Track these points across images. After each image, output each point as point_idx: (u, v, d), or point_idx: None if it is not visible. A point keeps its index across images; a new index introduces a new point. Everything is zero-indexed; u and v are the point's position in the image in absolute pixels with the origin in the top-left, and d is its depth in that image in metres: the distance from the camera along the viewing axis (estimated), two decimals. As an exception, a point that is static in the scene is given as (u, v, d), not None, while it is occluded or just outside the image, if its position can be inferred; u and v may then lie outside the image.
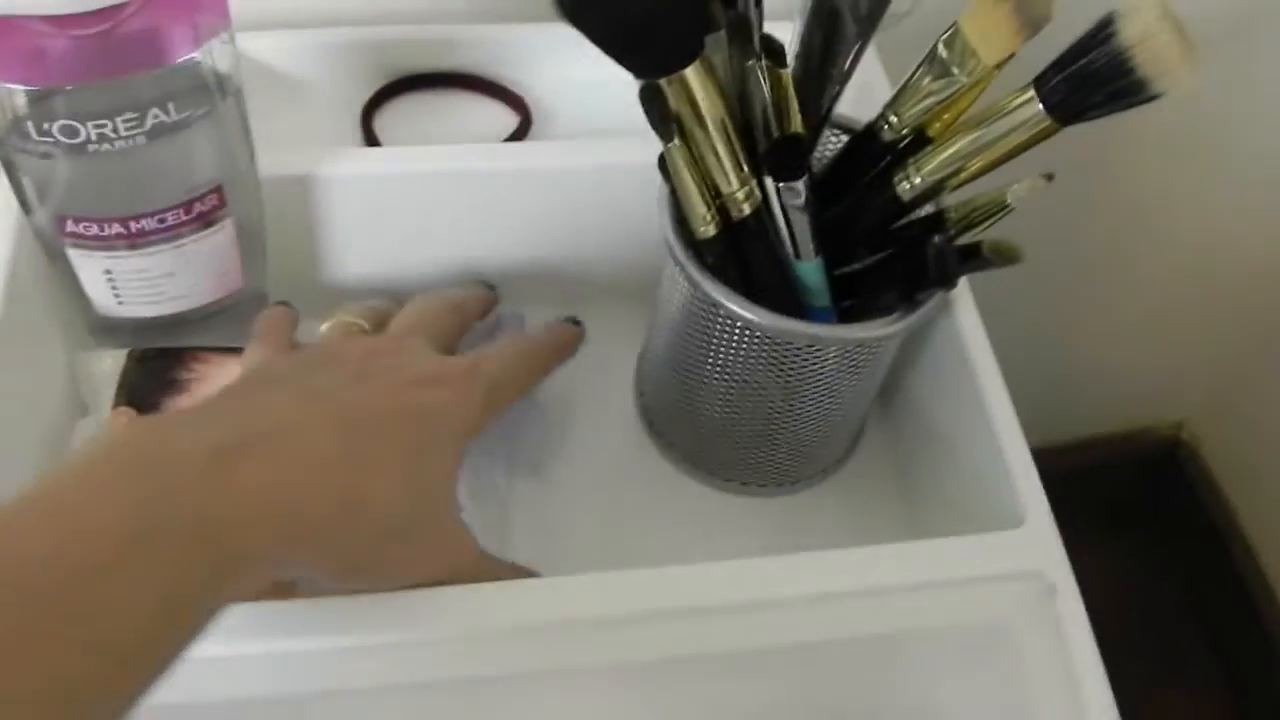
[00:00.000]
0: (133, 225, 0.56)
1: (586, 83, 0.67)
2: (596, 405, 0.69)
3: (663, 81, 0.51)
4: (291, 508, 0.43)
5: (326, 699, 0.50)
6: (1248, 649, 1.48)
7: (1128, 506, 1.59)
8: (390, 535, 0.47)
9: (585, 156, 0.66)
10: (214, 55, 0.53)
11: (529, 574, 0.55)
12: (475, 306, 0.65)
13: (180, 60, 0.52)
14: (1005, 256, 0.53)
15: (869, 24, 0.56)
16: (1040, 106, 0.52)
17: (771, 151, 0.53)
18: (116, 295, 0.60)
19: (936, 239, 0.53)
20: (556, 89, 0.76)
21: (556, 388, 0.68)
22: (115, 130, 0.52)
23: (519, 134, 0.73)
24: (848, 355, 0.58)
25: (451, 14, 0.76)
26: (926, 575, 0.53)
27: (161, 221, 0.57)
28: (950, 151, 0.55)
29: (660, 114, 0.51)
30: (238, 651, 0.47)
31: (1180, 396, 1.50)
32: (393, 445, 0.48)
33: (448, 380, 0.53)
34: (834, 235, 0.58)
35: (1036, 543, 0.54)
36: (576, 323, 0.65)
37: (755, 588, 0.51)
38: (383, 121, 0.74)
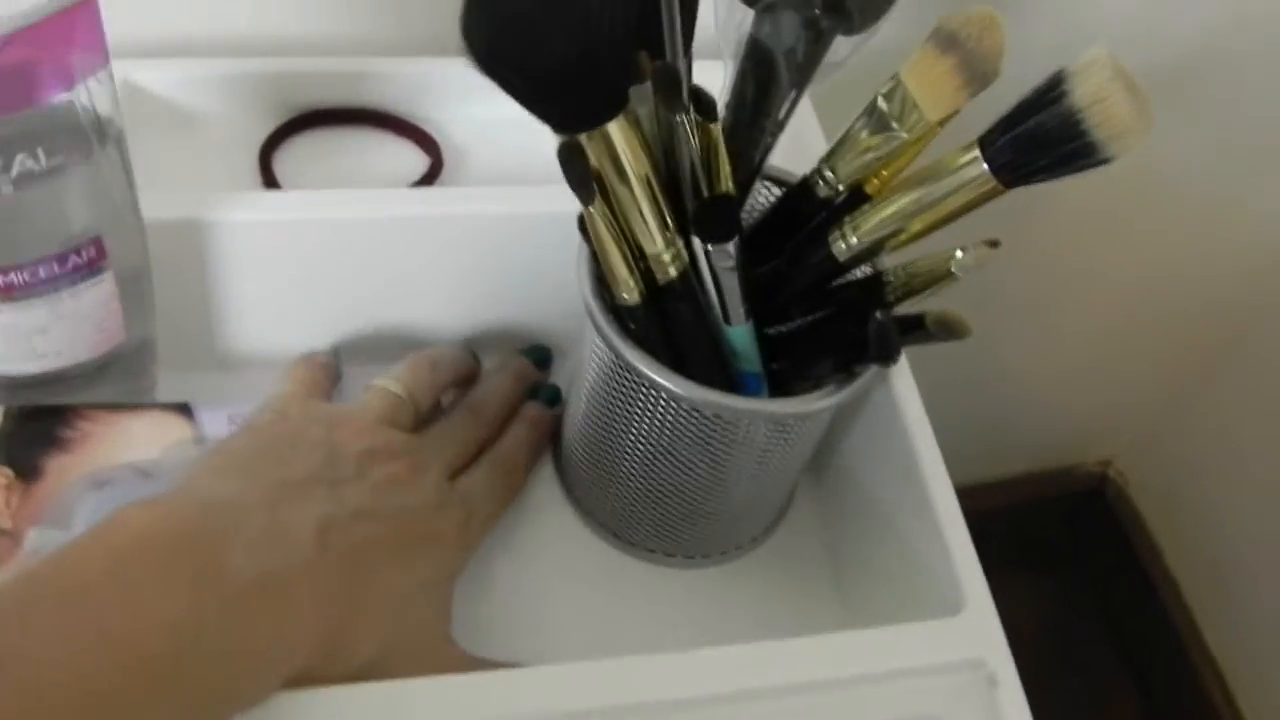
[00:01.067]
0: (3, 279, 0.52)
1: (502, 122, 0.63)
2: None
3: (583, 136, 0.47)
4: (286, 653, 0.44)
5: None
6: (1173, 688, 1.47)
7: (1054, 544, 1.58)
8: (363, 673, 0.47)
9: (502, 204, 0.62)
10: (91, 96, 0.49)
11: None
12: (538, 445, 0.66)
13: (51, 102, 0.48)
14: (950, 331, 0.49)
15: (805, 72, 0.52)
16: (985, 167, 0.49)
17: (701, 212, 0.50)
18: (-10, 352, 0.55)
19: (879, 315, 0.49)
20: (470, 128, 0.72)
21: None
22: (-23, 177, 0.47)
23: (430, 176, 0.69)
24: (779, 427, 0.55)
25: (359, 46, 0.72)
26: (861, 668, 0.49)
27: (34, 275, 0.52)
28: (889, 211, 0.52)
29: (579, 174, 0.47)
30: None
31: (1108, 434, 1.49)
32: (386, 590, 0.50)
33: (448, 531, 0.55)
34: (765, 293, 0.55)
35: (976, 629, 0.51)
36: (545, 359, 0.68)
37: (675, 684, 0.48)
38: (283, 160, 0.70)
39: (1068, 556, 1.59)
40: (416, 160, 0.71)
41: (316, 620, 0.46)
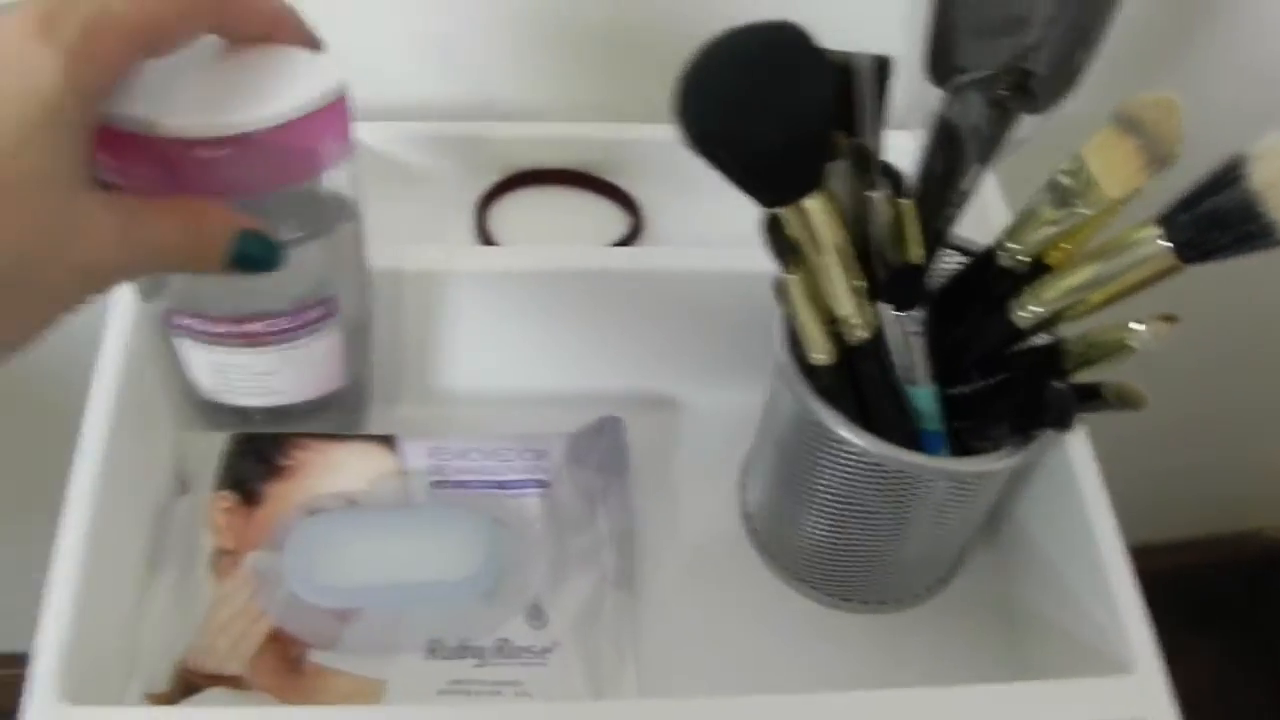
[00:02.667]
0: (240, 326, 0.57)
1: (701, 185, 0.67)
2: (699, 514, 0.69)
3: (784, 209, 0.51)
4: None
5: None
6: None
7: (1229, 609, 1.56)
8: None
9: (696, 262, 0.67)
10: (335, 180, 0.54)
11: None
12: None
13: (302, 184, 0.53)
14: (1127, 401, 0.52)
15: (990, 149, 0.55)
16: (1166, 244, 0.51)
17: (891, 281, 0.53)
18: (222, 385, 0.61)
19: (1057, 385, 0.52)
20: (670, 191, 0.76)
21: (659, 491, 0.68)
22: (234, 245, 0.52)
23: (631, 236, 0.74)
24: (958, 485, 0.58)
25: (568, 113, 0.77)
26: (1028, 718, 0.52)
27: (271, 326, 0.58)
28: (1070, 283, 0.54)
29: (780, 245, 0.51)
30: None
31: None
32: None
33: (4, 19, 0.38)
34: (947, 357, 0.58)
35: (1145, 690, 0.53)
36: None
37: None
38: (496, 216, 0.75)
39: (1243, 622, 1.56)
40: (619, 220, 0.75)
41: None
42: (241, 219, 0.46)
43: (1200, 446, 1.33)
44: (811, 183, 0.51)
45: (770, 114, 0.48)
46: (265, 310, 0.57)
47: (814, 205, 0.51)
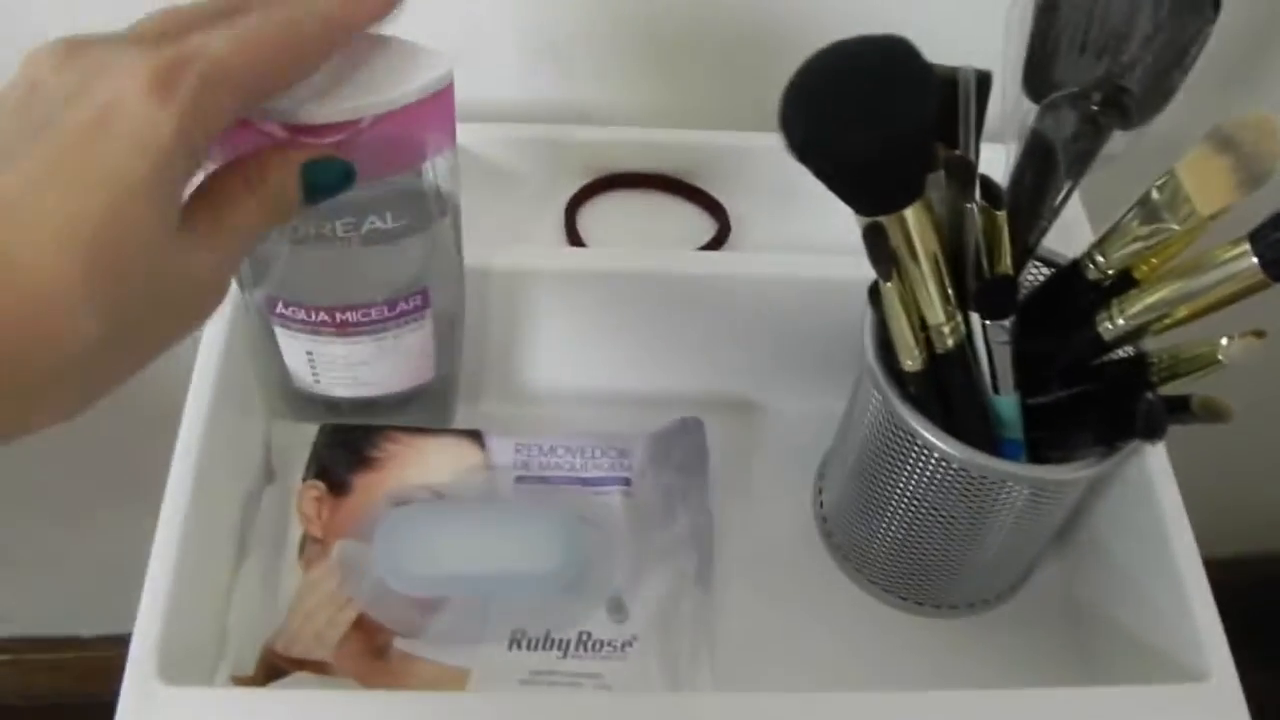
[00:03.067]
0: (338, 315, 0.59)
1: (785, 191, 0.68)
2: (775, 515, 0.70)
3: (883, 217, 0.52)
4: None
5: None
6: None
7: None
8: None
9: (780, 269, 0.68)
10: (436, 172, 0.55)
11: None
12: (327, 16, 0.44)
13: (404, 175, 0.54)
14: (1215, 414, 0.52)
15: (1082, 164, 0.56)
16: (1255, 260, 0.52)
17: (983, 291, 0.54)
18: (315, 375, 0.63)
19: (1150, 396, 0.53)
20: (755, 197, 0.77)
21: (737, 492, 0.69)
22: (333, 230, 0.54)
23: (717, 241, 0.75)
24: (1037, 492, 0.59)
25: (657, 117, 0.78)
26: (1103, 721, 0.53)
27: (366, 315, 0.59)
28: (1156, 297, 0.55)
29: (881, 253, 0.52)
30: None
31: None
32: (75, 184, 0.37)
33: (118, 105, 0.38)
34: (1029, 367, 0.59)
35: (1220, 698, 0.54)
36: None
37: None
38: (585, 218, 0.76)
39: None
40: (706, 225, 0.77)
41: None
42: (298, 153, 0.45)
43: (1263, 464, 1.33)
44: (912, 193, 0.51)
45: (874, 125, 0.49)
46: (361, 301, 0.59)
47: (912, 215, 0.52)
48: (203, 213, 0.41)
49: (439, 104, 0.50)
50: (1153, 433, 0.54)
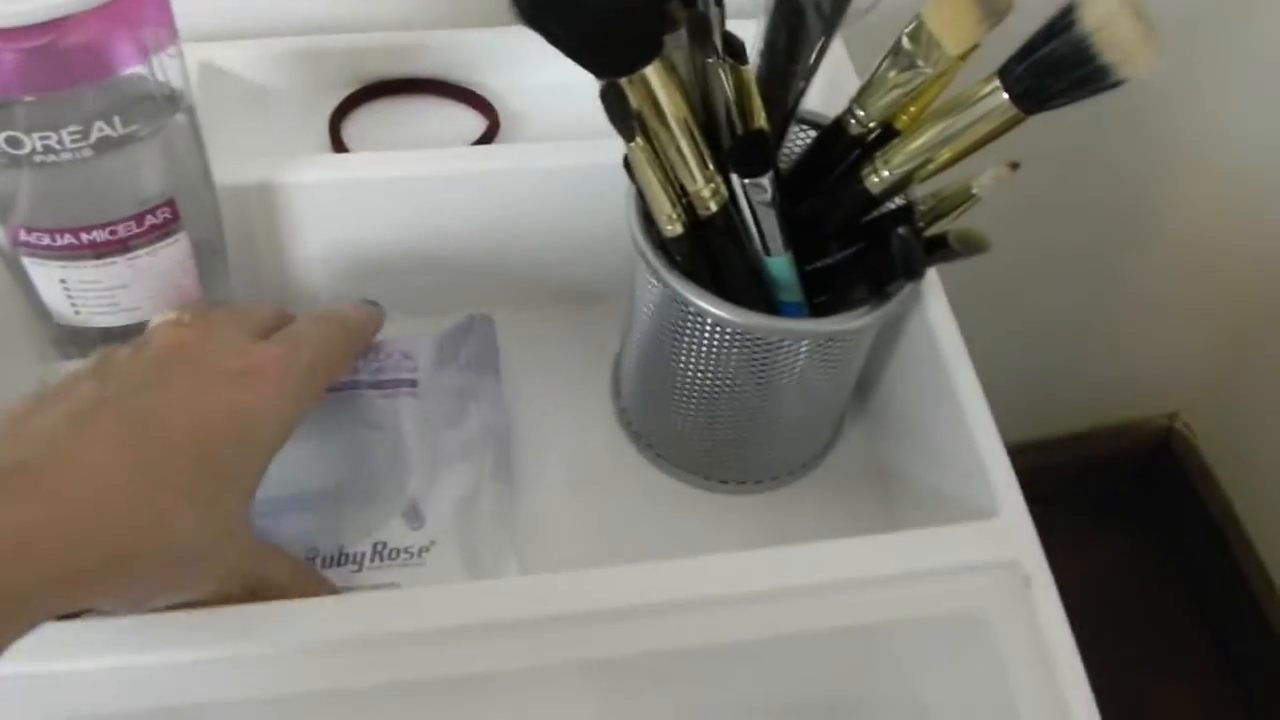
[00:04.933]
0: (84, 236, 0.56)
1: (554, 86, 0.67)
2: (574, 409, 0.69)
3: (624, 81, 0.51)
4: (65, 547, 0.39)
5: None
6: (1248, 640, 1.48)
7: (1123, 500, 1.59)
8: (187, 562, 0.43)
9: (552, 158, 0.66)
10: (162, 69, 0.53)
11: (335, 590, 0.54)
12: (362, 324, 0.60)
13: (125, 74, 0.52)
14: (972, 246, 0.52)
15: (833, 20, 0.55)
16: (1005, 96, 0.52)
17: (735, 148, 0.53)
18: (73, 305, 0.60)
19: (901, 231, 0.53)
20: (524, 93, 0.76)
21: (533, 393, 0.68)
22: (60, 143, 0.52)
23: (487, 138, 0.73)
24: (821, 349, 0.58)
25: (417, 20, 0.76)
26: (900, 567, 0.53)
27: (113, 233, 0.57)
28: (917, 143, 0.55)
29: (621, 113, 0.50)
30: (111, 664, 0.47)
31: (1174, 387, 1.50)
32: (192, 460, 0.43)
33: (260, 373, 0.48)
34: (805, 231, 0.58)
35: (1010, 533, 0.54)
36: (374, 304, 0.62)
37: (729, 582, 0.51)
38: (351, 129, 0.74)
39: (1137, 511, 1.59)
40: (475, 124, 0.75)
41: (100, 508, 0.40)
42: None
43: (1081, 340, 1.36)
44: (649, 52, 0.50)
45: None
46: (106, 218, 0.56)
47: (655, 76, 0.51)
48: None
49: None
50: (911, 269, 0.53)
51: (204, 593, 0.46)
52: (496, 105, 0.75)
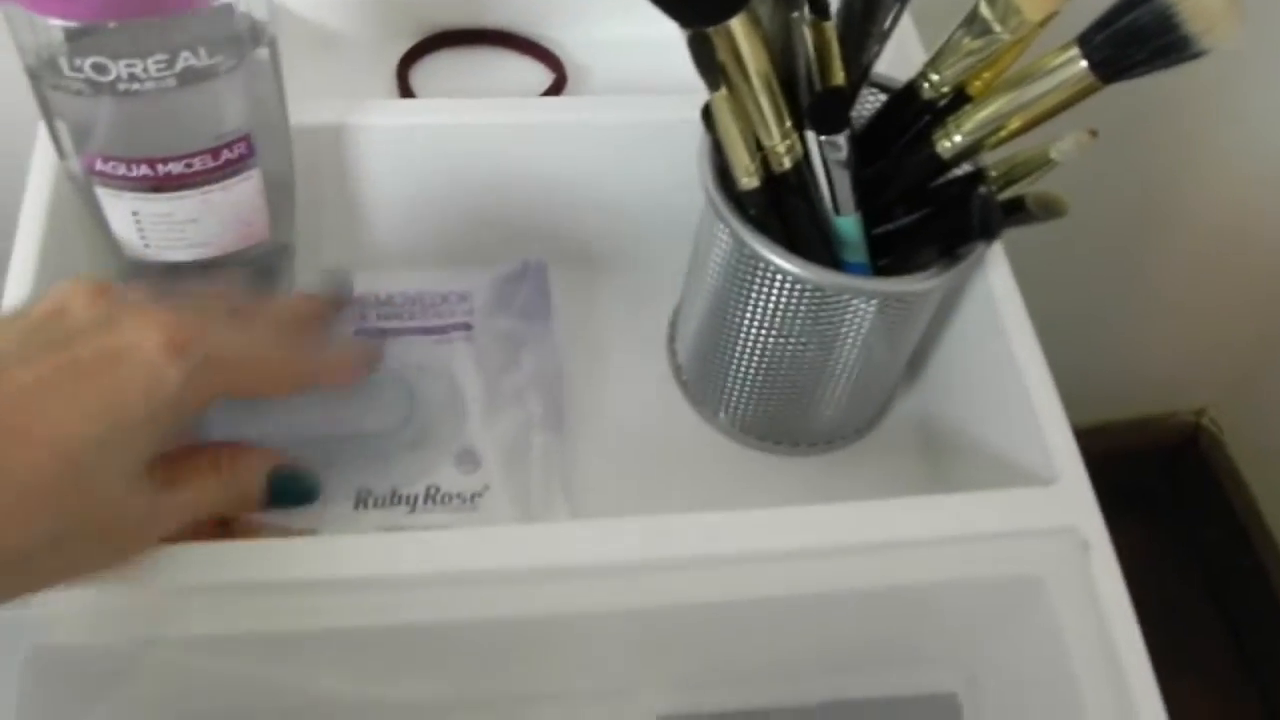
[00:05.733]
0: (159, 168, 0.56)
1: (621, 41, 0.67)
2: (627, 362, 0.69)
3: (710, 31, 0.51)
4: None
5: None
6: (1266, 636, 1.48)
7: (1148, 493, 1.59)
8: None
9: (620, 112, 0.66)
10: (249, 3, 0.53)
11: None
12: (321, 367, 0.53)
13: (212, 4, 0.52)
14: (1050, 209, 0.53)
15: (909, -16, 0.56)
16: (1084, 64, 0.52)
17: (814, 104, 0.53)
18: (143, 238, 0.60)
19: (981, 189, 0.53)
20: (590, 47, 0.76)
21: (587, 343, 0.68)
22: (146, 71, 0.52)
23: (553, 90, 0.74)
24: (886, 310, 0.58)
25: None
26: (958, 529, 0.53)
27: (189, 166, 0.57)
28: (990, 110, 0.55)
29: (708, 62, 0.51)
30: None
31: (1202, 383, 1.49)
32: (50, 442, 0.40)
33: (141, 318, 0.43)
34: (872, 193, 0.58)
35: (1070, 499, 0.54)
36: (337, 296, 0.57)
37: (786, 536, 0.51)
38: (418, 76, 0.74)
39: (1161, 505, 1.59)
40: (542, 76, 0.75)
41: None
42: (269, 458, 0.50)
43: (1108, 334, 1.36)
44: (735, 5, 0.50)
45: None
46: (184, 150, 0.56)
47: (740, 28, 0.51)
48: (164, 472, 0.45)
49: None
50: (988, 229, 0.54)
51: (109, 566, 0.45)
52: (563, 59, 0.75)
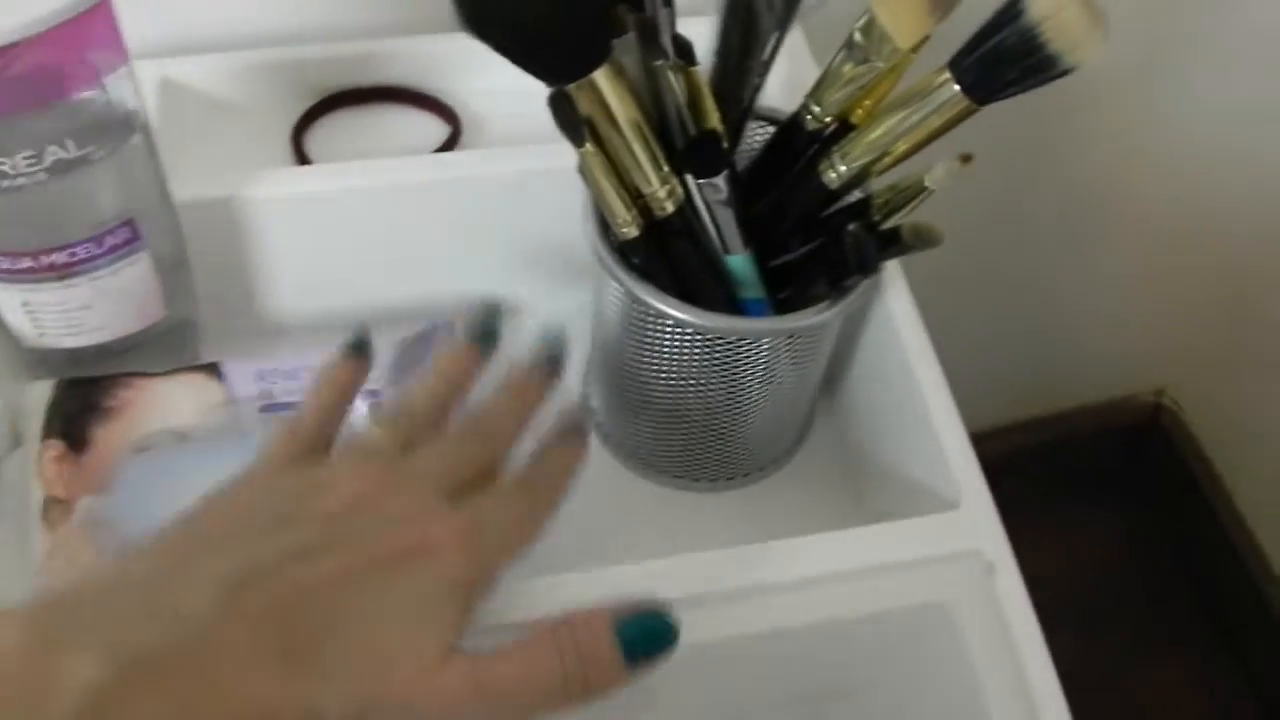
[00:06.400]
0: (43, 259, 0.57)
1: (516, 89, 0.66)
2: (543, 414, 0.68)
3: (573, 87, 0.51)
4: None
5: None
6: (1242, 612, 1.48)
7: (1113, 476, 1.59)
8: None
9: (512, 163, 0.66)
10: (114, 91, 0.53)
11: None
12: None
13: (77, 97, 0.52)
14: (925, 239, 0.53)
15: (785, 15, 0.56)
16: (956, 87, 0.52)
17: (688, 149, 0.53)
18: (38, 327, 0.60)
19: (851, 227, 0.53)
20: (487, 96, 0.76)
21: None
22: (14, 167, 0.52)
23: (450, 144, 0.74)
24: (785, 345, 0.58)
25: (376, 29, 0.76)
26: (865, 561, 0.53)
27: (72, 255, 0.57)
28: (873, 136, 0.55)
29: (569, 120, 0.51)
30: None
31: (1160, 364, 1.50)
32: (354, 627, 0.39)
33: (441, 539, 0.42)
34: (766, 227, 0.58)
35: (973, 523, 0.54)
36: (557, 357, 0.52)
37: (693, 582, 0.51)
38: (315, 140, 0.74)
39: (1127, 487, 1.59)
40: (438, 129, 0.75)
41: (237, 699, 0.37)
42: (603, 616, 0.43)
43: (1065, 320, 1.36)
44: (596, 58, 0.51)
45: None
46: (66, 239, 0.57)
47: (602, 79, 0.51)
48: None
49: (99, 17, 0.49)
50: (863, 264, 0.54)
51: None
52: (459, 110, 0.75)
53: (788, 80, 0.65)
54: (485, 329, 0.53)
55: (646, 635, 0.43)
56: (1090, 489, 1.56)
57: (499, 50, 0.49)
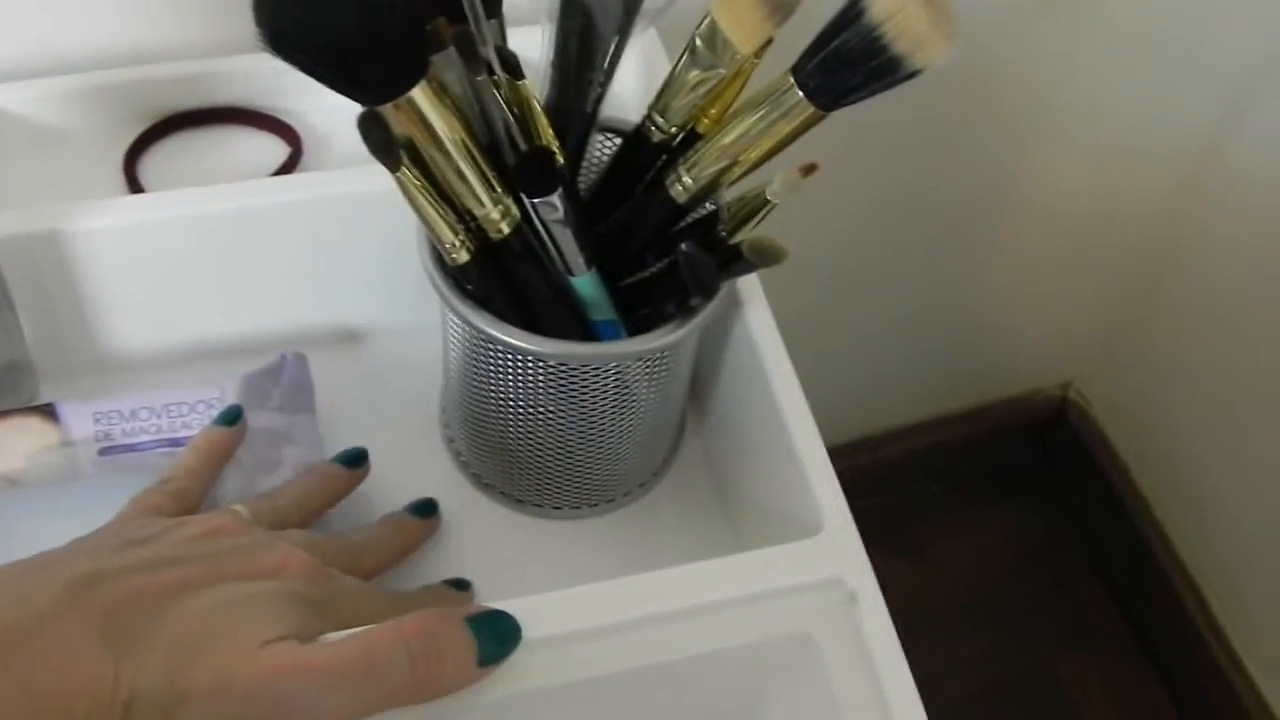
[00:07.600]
0: None
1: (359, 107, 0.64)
2: (401, 445, 0.65)
3: (390, 107, 0.48)
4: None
5: None
6: (1153, 604, 1.48)
7: (1023, 471, 1.59)
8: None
9: (350, 185, 0.63)
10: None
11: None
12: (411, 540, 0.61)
13: None
14: (767, 256, 0.50)
15: (624, 20, 0.53)
16: (800, 93, 0.50)
17: (519, 167, 0.51)
18: None
19: (684, 247, 0.50)
20: (328, 113, 0.73)
21: (356, 431, 0.64)
22: None
23: (290, 164, 0.70)
24: (637, 370, 0.56)
25: (216, 46, 0.73)
26: (725, 593, 0.50)
27: None
28: (719, 145, 0.52)
29: (380, 143, 0.47)
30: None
31: (1065, 357, 1.50)
32: (171, 630, 0.42)
33: (285, 563, 0.47)
34: (616, 243, 0.56)
35: (835, 549, 0.52)
36: (428, 512, 0.62)
37: (544, 624, 0.48)
38: (150, 166, 0.71)
39: (1038, 481, 1.59)
40: (279, 150, 0.72)
41: (71, 677, 0.40)
42: (455, 614, 0.46)
43: (969, 317, 1.35)
44: (411, 76, 0.48)
45: (343, 5, 0.45)
46: None
47: (421, 97, 0.48)
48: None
49: None
50: (702, 285, 0.51)
51: None
52: (302, 130, 0.72)
53: (646, 88, 0.63)
54: (353, 455, 0.60)
55: (497, 635, 0.47)
56: (1000, 483, 1.56)
57: (306, 71, 0.46)
